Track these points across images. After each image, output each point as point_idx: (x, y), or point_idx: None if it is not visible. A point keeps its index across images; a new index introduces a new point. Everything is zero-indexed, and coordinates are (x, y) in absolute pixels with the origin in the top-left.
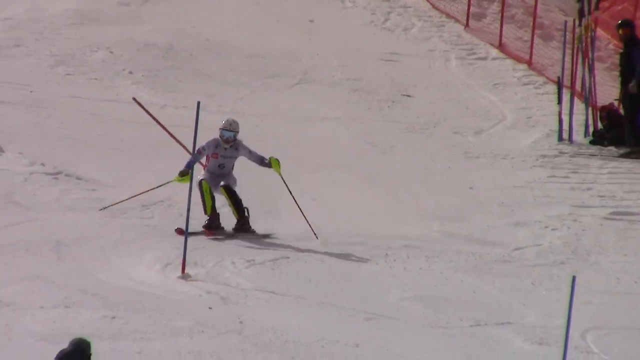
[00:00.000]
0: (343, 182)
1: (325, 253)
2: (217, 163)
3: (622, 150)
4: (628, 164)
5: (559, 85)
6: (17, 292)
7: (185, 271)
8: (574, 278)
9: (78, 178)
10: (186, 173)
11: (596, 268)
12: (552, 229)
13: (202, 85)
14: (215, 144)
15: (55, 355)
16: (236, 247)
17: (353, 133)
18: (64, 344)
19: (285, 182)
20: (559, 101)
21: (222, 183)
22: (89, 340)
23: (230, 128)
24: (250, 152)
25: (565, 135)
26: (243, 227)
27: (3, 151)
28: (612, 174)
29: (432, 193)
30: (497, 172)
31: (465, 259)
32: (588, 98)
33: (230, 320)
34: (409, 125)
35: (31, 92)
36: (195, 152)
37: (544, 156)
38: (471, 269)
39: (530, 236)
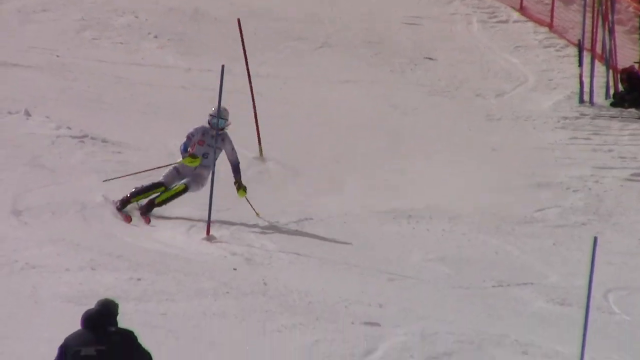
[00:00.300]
0: (365, 144)
1: (348, 215)
2: (202, 151)
3: None
4: None
5: (580, 47)
6: (43, 255)
7: (210, 233)
8: (595, 239)
9: (104, 141)
10: (195, 157)
11: (617, 229)
12: (574, 190)
13: (227, 48)
14: (203, 130)
15: (81, 316)
16: (260, 210)
17: (375, 96)
18: (90, 306)
19: (248, 201)
20: (580, 64)
21: (184, 181)
22: (116, 301)
23: (221, 115)
24: (232, 149)
25: (586, 98)
26: (144, 208)
27: (30, 115)
28: (633, 136)
29: (454, 155)
30: (519, 134)
31: (487, 220)
32: (608, 60)
33: (254, 281)
34: (431, 87)
35: (57, 56)
36: (186, 139)
37: (565, 118)
38: (493, 230)
39: (552, 197)
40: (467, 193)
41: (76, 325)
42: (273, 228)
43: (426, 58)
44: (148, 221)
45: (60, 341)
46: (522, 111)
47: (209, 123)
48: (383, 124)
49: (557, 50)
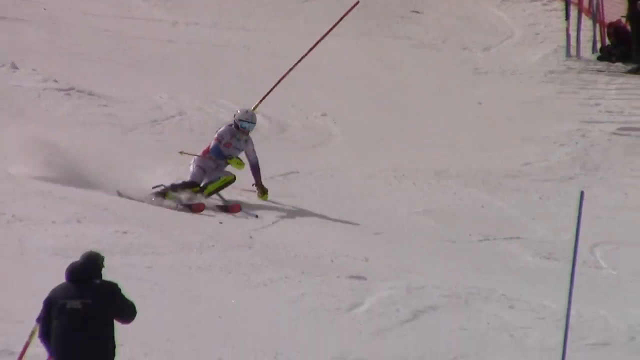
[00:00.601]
0: (352, 97)
1: (334, 168)
2: (228, 153)
3: (629, 67)
4: (636, 79)
5: (567, 1)
6: (29, 207)
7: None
8: (582, 193)
9: (90, 94)
10: (242, 162)
11: (604, 183)
12: (561, 145)
13: (212, 2)
14: (230, 133)
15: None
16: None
17: (362, 49)
18: (76, 259)
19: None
20: (567, 17)
21: (225, 172)
22: (102, 254)
23: (252, 120)
24: (253, 149)
25: (573, 52)
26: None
27: (17, 68)
28: (620, 90)
29: (440, 108)
30: (506, 88)
31: (474, 174)
32: (596, 14)
33: (240, 235)
34: (418, 41)
35: (45, 9)
36: (216, 140)
37: (552, 72)
38: (480, 183)
39: (538, 151)
40: (454, 147)
41: (62, 278)
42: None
43: (413, 11)
44: (202, 208)
45: (46, 294)
46: (509, 65)
47: (236, 126)
48: (370, 78)
49: (544, 4)
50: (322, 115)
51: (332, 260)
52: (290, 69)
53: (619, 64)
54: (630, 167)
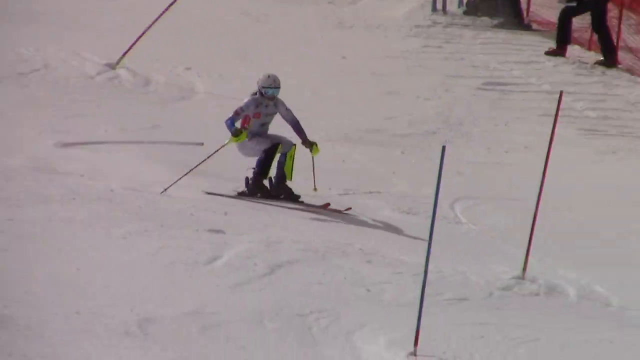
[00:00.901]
0: (217, 51)
1: (196, 120)
2: (260, 123)
3: (495, 21)
4: (502, 34)
5: None
6: None
7: (59, 140)
8: (444, 147)
9: None
10: (239, 132)
11: (468, 138)
12: (425, 99)
13: None
14: (255, 103)
15: None
16: (109, 116)
17: (227, 2)
18: None
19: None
20: None
21: (287, 141)
22: None
23: (275, 85)
24: (287, 109)
25: (439, 6)
26: (288, 193)
27: None
28: (485, 45)
29: (305, 62)
30: (370, 42)
31: (335, 127)
32: None
33: (101, 188)
34: None
35: None
36: (233, 114)
37: (417, 26)
38: (341, 137)
39: (401, 105)
40: (316, 100)
41: None
42: (121, 135)
43: None
44: (328, 205)
45: None
46: (375, 19)
47: (260, 94)
48: (235, 31)
49: None
50: (186, 69)
51: (191, 214)
52: (150, 25)
53: (485, 19)
54: (494, 123)
